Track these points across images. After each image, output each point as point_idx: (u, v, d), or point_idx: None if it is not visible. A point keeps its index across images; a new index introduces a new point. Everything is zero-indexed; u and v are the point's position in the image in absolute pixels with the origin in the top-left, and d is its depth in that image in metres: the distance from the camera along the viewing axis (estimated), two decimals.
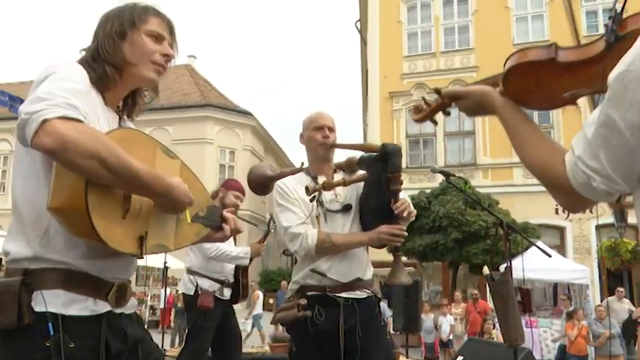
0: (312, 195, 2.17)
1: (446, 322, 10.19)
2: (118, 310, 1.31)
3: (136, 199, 1.23)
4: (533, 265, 9.36)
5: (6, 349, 1.18)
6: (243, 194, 4.01)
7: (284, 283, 14.88)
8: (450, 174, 2.82)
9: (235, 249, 3.87)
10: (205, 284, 3.81)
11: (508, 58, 1.08)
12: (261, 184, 2.59)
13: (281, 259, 27.22)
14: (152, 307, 16.32)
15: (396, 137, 17.84)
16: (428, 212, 12.90)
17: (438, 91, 1.26)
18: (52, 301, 1.16)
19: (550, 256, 3.21)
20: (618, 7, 0.94)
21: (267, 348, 5.92)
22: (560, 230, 16.17)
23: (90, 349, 1.20)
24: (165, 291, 9.14)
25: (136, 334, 1.37)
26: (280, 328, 11.39)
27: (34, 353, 1.14)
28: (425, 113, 1.31)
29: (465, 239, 12.39)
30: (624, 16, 0.93)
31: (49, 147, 1.05)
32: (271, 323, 2.38)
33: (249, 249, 3.90)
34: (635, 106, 0.78)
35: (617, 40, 0.91)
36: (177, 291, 12.81)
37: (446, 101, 1.26)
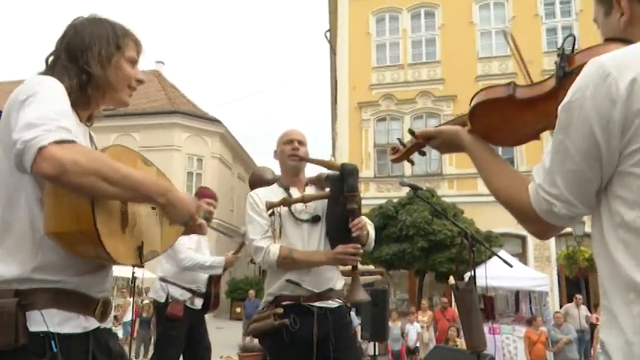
0: (271, 210, 2.27)
1: (412, 330, 10.36)
2: (102, 325, 1.35)
3: (131, 212, 1.29)
4: (496, 273, 9.63)
5: None
6: (216, 201, 4.05)
7: (252, 292, 14.82)
8: (418, 187, 2.94)
9: (210, 259, 3.90)
10: (176, 293, 3.83)
11: (473, 97, 1.15)
12: (260, 186, 2.66)
13: (248, 268, 27.05)
14: (116, 317, 15.96)
15: (365, 146, 18.10)
16: (395, 221, 13.11)
17: (412, 132, 1.32)
18: (49, 320, 1.19)
19: (511, 266, 3.37)
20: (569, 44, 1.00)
21: (236, 358, 5.92)
22: (522, 239, 16.67)
23: None
24: (133, 301, 8.98)
25: (117, 348, 1.41)
26: (248, 337, 11.35)
27: None
28: (401, 153, 1.37)
29: (431, 248, 12.64)
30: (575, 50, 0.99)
31: (49, 173, 1.08)
32: (245, 335, 2.44)
33: (223, 259, 3.93)
34: (580, 133, 0.85)
35: (565, 76, 0.97)
36: (142, 301, 12.60)
37: (420, 141, 1.32)
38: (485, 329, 11.55)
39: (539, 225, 0.96)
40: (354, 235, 2.24)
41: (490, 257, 10.54)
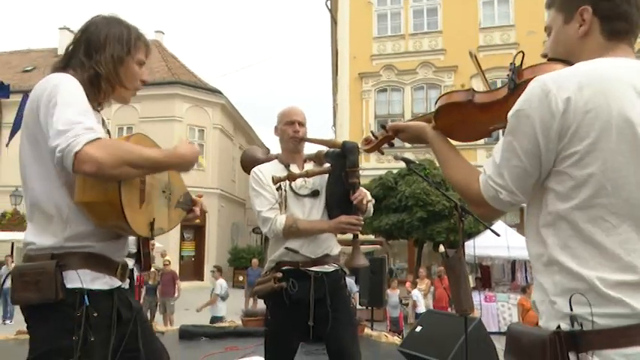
0: (277, 184, 2.44)
1: (420, 296, 10.60)
2: (123, 285, 1.56)
3: (147, 192, 1.48)
4: (493, 243, 9.90)
5: (40, 320, 1.40)
6: None
7: (255, 260, 15.13)
8: (411, 161, 3.10)
9: None
10: None
11: (438, 99, 1.35)
12: (253, 165, 2.82)
13: (250, 238, 27.45)
14: None
15: (365, 117, 18.14)
16: (394, 192, 13.31)
17: (383, 126, 1.53)
18: (83, 279, 1.39)
19: (499, 235, 3.58)
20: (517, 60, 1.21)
21: (239, 322, 6.19)
22: (520, 210, 16.84)
23: (107, 318, 1.45)
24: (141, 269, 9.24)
25: (136, 305, 1.63)
26: (251, 302, 11.70)
27: (66, 322, 1.36)
28: (374, 144, 1.57)
29: (430, 218, 12.87)
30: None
31: (89, 171, 1.28)
32: (250, 296, 2.66)
33: None
34: (525, 136, 1.04)
35: (515, 87, 1.18)
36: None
37: (390, 134, 1.51)
38: (482, 297, 11.81)
39: (486, 209, 1.16)
40: (357, 205, 2.44)
41: (487, 228, 10.75)
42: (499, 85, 1.30)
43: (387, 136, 1.53)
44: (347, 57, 18.83)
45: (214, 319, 9.85)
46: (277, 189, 2.46)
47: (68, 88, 1.39)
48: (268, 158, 2.77)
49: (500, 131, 1.21)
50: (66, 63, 1.53)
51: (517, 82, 1.18)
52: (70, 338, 1.35)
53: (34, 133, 1.41)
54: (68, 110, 1.33)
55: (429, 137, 1.38)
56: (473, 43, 17.43)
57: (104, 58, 1.51)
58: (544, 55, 1.24)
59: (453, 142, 1.38)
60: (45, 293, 1.35)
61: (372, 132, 1.59)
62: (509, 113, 1.09)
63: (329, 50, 25.74)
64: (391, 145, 1.58)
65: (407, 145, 17.56)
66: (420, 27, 18.61)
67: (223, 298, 10.33)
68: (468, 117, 1.30)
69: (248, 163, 2.82)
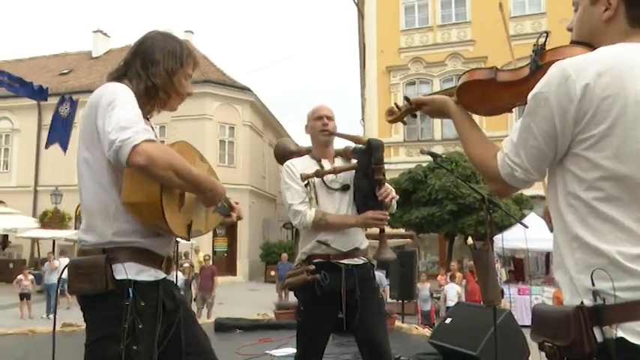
0: (306, 181, 2.55)
1: (452, 289, 10.56)
2: (167, 277, 1.68)
3: (187, 196, 1.61)
4: (527, 235, 9.75)
5: (94, 309, 1.54)
6: None
7: (284, 255, 15.31)
8: (437, 155, 3.14)
9: None
10: None
11: (461, 76, 1.39)
12: (284, 156, 2.92)
13: (281, 233, 27.72)
14: None
15: None
16: (424, 185, 13.27)
17: (407, 98, 1.57)
18: (129, 271, 1.53)
19: (527, 227, 3.58)
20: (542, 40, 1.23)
21: (272, 315, 6.31)
22: None
23: (153, 307, 1.57)
24: (177, 266, 9.54)
25: (180, 297, 1.76)
26: (283, 295, 11.84)
27: (116, 310, 1.49)
28: (397, 115, 1.63)
29: (460, 211, 12.77)
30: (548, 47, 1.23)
31: (141, 164, 1.39)
32: (281, 289, 2.76)
33: None
34: (543, 119, 1.08)
35: (537, 69, 1.20)
36: (181, 265, 13.23)
37: (413, 107, 1.55)
38: (515, 290, 11.63)
39: (501, 185, 1.20)
40: (382, 202, 2.53)
41: (521, 218, 10.57)
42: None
43: (409, 109, 1.57)
44: (374, 51, 18.77)
45: None
46: (306, 185, 2.56)
47: (125, 95, 1.53)
48: (299, 151, 2.86)
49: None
50: (123, 72, 1.66)
51: (539, 63, 1.21)
52: (120, 325, 1.47)
53: (90, 136, 1.54)
54: (128, 111, 1.46)
55: (451, 111, 1.40)
56: (503, 32, 17.05)
57: (159, 71, 1.64)
58: (570, 29, 1.24)
59: (475, 117, 1.40)
60: (97, 284, 1.49)
61: (395, 104, 1.64)
62: (529, 95, 1.11)
63: (356, 44, 25.67)
64: (414, 117, 1.62)
65: (437, 137, 17.43)
66: (448, 18, 18.38)
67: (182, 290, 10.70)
68: (490, 94, 1.33)
69: (280, 154, 2.93)
